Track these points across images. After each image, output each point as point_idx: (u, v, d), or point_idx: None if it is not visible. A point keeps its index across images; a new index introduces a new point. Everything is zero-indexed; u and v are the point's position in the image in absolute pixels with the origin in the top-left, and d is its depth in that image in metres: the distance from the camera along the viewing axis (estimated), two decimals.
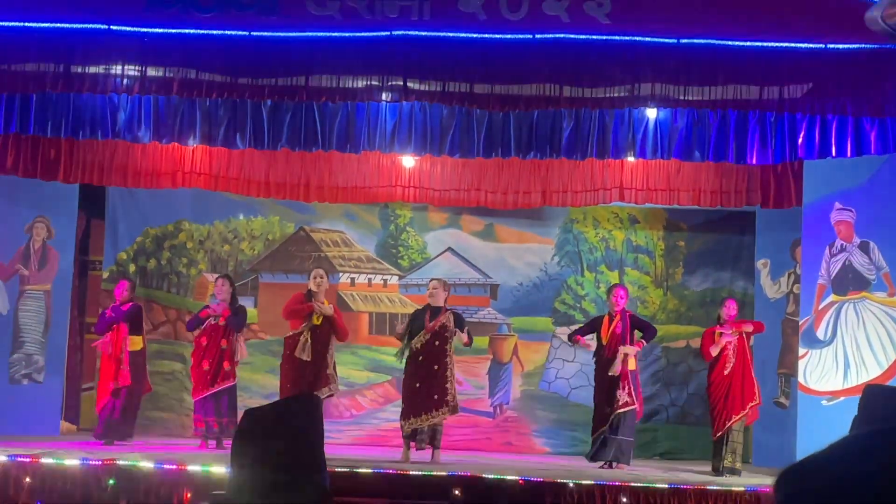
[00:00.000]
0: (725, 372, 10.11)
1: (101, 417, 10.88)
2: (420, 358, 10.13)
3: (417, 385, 10.09)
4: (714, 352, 10.14)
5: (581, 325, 10.98)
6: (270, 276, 12.51)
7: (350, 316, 12.08)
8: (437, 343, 10.16)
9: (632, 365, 10.28)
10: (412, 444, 10.12)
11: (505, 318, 12.37)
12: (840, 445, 1.31)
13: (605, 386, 10.23)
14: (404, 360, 10.25)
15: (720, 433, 10.09)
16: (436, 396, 10.06)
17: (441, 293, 10.34)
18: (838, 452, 1.30)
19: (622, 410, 10.11)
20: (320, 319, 10.40)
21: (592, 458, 10.25)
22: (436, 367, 10.11)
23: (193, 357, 10.99)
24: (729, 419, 10.02)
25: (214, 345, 10.83)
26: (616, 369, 10.13)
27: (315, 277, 10.60)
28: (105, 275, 12.51)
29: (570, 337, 10.73)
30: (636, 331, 10.42)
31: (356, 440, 12.02)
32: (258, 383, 11.67)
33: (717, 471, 10.02)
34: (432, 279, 10.74)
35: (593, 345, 10.57)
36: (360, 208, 12.48)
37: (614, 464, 10.13)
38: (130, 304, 11.11)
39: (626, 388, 10.20)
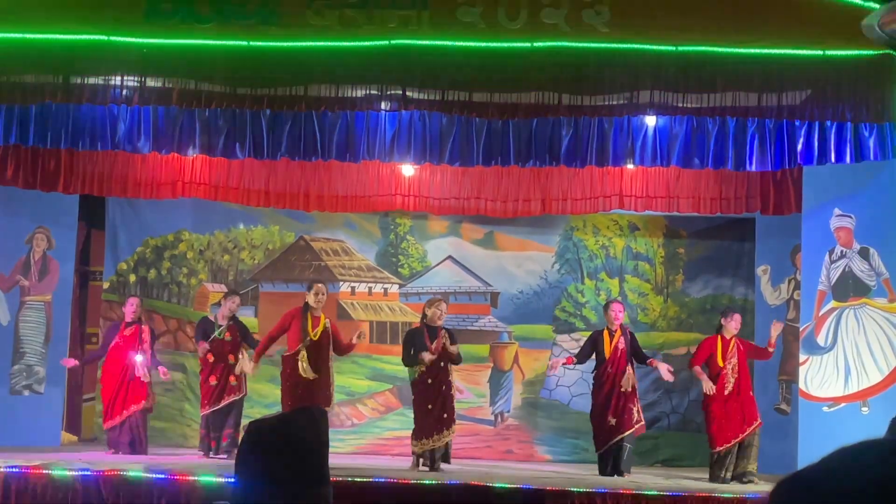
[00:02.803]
0: (725, 392, 10.08)
1: (123, 437, 10.89)
2: (429, 380, 10.15)
3: (430, 407, 10.13)
4: (699, 371, 10.21)
5: (580, 347, 10.92)
6: (271, 285, 12.50)
7: (351, 325, 12.08)
8: (441, 364, 10.20)
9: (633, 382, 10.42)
10: (422, 462, 10.15)
11: (505, 326, 12.37)
12: (837, 457, 1.31)
13: (609, 401, 10.23)
14: (415, 376, 10.23)
15: (721, 449, 10.02)
16: (445, 416, 10.14)
17: (445, 312, 10.39)
18: (835, 464, 1.30)
19: (637, 426, 10.29)
20: (318, 335, 10.40)
21: (607, 471, 10.22)
22: (443, 387, 10.19)
23: (202, 374, 11.04)
24: (731, 439, 9.99)
25: (222, 360, 10.84)
26: (630, 384, 10.22)
27: (317, 294, 10.54)
28: (105, 285, 12.52)
29: (564, 364, 10.78)
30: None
31: (357, 449, 12.01)
32: (259, 393, 11.65)
33: (714, 479, 10.01)
34: (442, 302, 10.62)
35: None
36: (360, 217, 12.49)
37: (624, 473, 10.18)
38: (147, 325, 11.18)
39: (637, 405, 10.38)
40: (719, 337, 10.31)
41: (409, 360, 10.24)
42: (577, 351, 11.16)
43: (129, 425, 10.85)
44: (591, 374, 10.64)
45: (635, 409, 10.32)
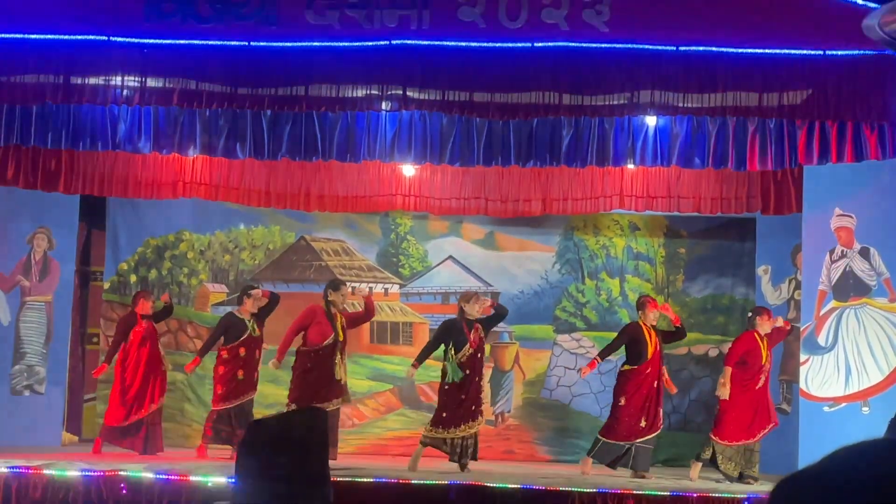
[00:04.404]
0: (757, 386, 10.01)
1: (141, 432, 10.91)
2: (467, 371, 10.14)
3: (463, 397, 10.11)
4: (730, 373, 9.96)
5: (612, 340, 10.59)
6: (271, 285, 12.49)
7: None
8: (479, 355, 10.21)
9: (674, 389, 10.55)
10: (450, 453, 10.13)
11: (506, 326, 12.34)
12: (837, 456, 1.31)
13: (646, 404, 10.19)
14: (453, 376, 10.19)
15: (730, 444, 9.97)
16: (473, 407, 10.13)
17: (476, 304, 10.32)
18: (835, 464, 1.30)
19: (661, 429, 10.31)
20: (343, 335, 10.49)
21: (617, 465, 10.22)
22: (477, 378, 10.20)
23: (224, 367, 10.84)
24: (741, 438, 9.94)
25: (251, 355, 10.86)
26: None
27: (344, 294, 10.70)
28: (106, 285, 12.51)
29: (601, 354, 10.53)
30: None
31: (358, 449, 12.00)
32: (260, 393, 11.62)
33: (698, 458, 10.08)
34: (480, 296, 10.60)
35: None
36: (361, 217, 12.49)
37: (640, 472, 10.15)
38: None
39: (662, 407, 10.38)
40: (755, 333, 10.06)
41: (427, 352, 10.31)
42: (587, 351, 11.15)
43: (148, 422, 10.86)
44: (621, 368, 10.46)
45: (662, 412, 10.35)
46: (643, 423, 10.15)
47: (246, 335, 10.86)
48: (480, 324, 10.33)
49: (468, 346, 10.11)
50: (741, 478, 9.90)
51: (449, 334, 10.21)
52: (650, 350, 10.23)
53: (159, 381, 11.03)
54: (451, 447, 10.07)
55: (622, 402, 10.27)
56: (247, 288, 11.29)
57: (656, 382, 10.26)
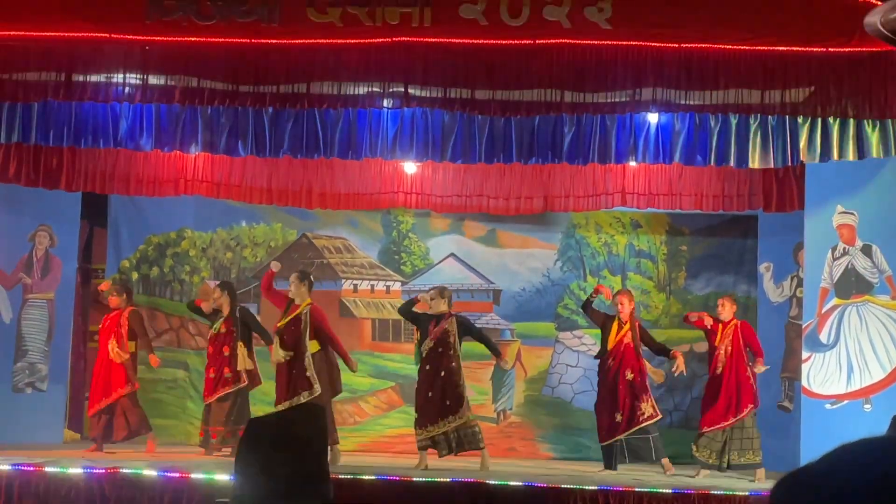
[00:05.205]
0: (717, 371, 10.08)
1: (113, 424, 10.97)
2: (427, 366, 10.16)
3: (430, 394, 10.11)
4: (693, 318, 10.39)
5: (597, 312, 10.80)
6: (273, 283, 12.49)
7: (353, 323, 12.09)
8: (440, 350, 10.15)
9: (660, 378, 10.49)
10: (432, 451, 10.10)
11: (508, 324, 12.37)
12: (838, 454, 1.31)
13: (616, 397, 10.17)
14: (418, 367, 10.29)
15: (705, 431, 10.01)
16: (448, 402, 10.07)
17: (439, 301, 10.30)
18: (836, 462, 1.30)
19: (651, 422, 10.19)
20: (283, 322, 10.33)
21: (613, 465, 10.19)
22: (442, 373, 10.12)
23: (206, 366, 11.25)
24: (719, 421, 9.97)
25: (217, 352, 10.91)
26: (643, 380, 10.20)
27: (291, 283, 10.55)
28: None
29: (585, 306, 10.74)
30: (645, 347, 10.42)
31: (359, 446, 12.00)
32: (261, 390, 11.63)
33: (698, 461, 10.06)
34: (430, 288, 10.72)
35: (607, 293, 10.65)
36: (363, 215, 12.49)
37: (656, 461, 10.17)
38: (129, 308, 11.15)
39: (649, 400, 10.26)
40: (708, 318, 10.32)
41: (405, 306, 10.54)
42: (589, 349, 11.24)
43: (107, 412, 10.86)
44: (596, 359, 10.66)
45: (645, 405, 10.21)
46: (618, 418, 10.13)
47: (210, 335, 11.08)
48: (459, 320, 10.30)
49: (428, 338, 10.15)
50: (730, 467, 9.92)
51: (418, 320, 10.35)
52: (610, 342, 10.28)
53: (113, 373, 10.85)
54: (435, 444, 10.06)
55: (597, 396, 10.45)
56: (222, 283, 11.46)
57: (629, 374, 10.20)
